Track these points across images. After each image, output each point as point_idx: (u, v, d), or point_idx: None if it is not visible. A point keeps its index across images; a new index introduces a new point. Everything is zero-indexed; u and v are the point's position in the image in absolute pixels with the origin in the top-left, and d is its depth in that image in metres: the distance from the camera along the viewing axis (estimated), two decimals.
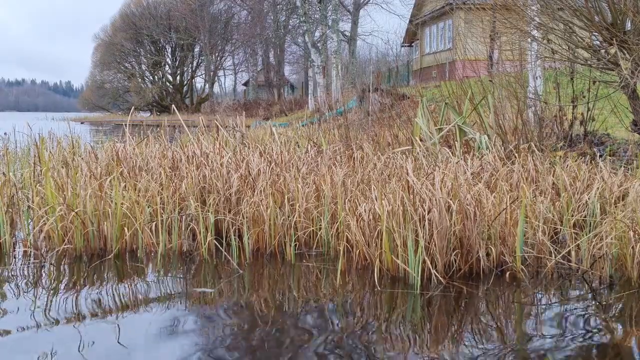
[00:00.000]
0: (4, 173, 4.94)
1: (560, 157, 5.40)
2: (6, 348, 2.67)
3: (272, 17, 40.39)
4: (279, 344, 2.71)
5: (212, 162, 4.95)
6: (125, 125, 6.11)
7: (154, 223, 4.21)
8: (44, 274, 3.81)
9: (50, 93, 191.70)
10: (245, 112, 13.98)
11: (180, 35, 50.09)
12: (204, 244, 4.12)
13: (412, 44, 33.40)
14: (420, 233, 3.47)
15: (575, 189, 4.45)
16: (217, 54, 50.61)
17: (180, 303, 3.27)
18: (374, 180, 4.49)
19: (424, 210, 3.55)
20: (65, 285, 3.60)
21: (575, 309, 3.22)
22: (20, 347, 2.69)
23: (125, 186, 4.50)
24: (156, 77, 55.92)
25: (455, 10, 18.09)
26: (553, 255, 3.70)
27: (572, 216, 4.07)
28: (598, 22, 5.51)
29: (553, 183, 4.64)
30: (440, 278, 3.50)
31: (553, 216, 4.10)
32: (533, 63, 7.28)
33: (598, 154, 5.81)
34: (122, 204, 4.18)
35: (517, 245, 3.66)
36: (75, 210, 4.09)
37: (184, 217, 4.36)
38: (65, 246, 4.10)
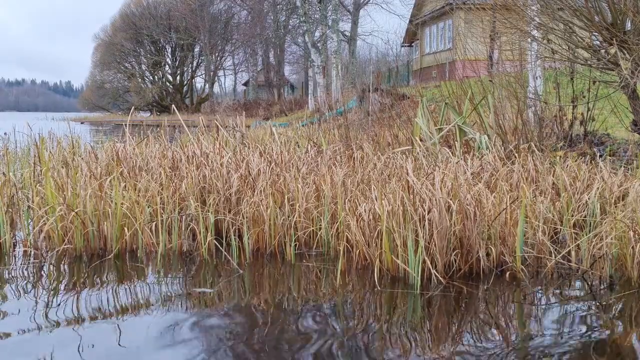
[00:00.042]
0: (4, 173, 4.94)
1: (560, 157, 5.40)
2: (6, 351, 2.67)
3: (272, 17, 40.39)
4: (279, 344, 2.71)
5: (212, 162, 4.95)
6: (125, 125, 6.11)
7: (154, 223, 4.21)
8: (43, 274, 3.81)
9: (50, 93, 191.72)
10: (245, 112, 13.98)
11: (180, 35, 50.10)
12: (204, 244, 4.12)
13: (412, 44, 33.40)
14: (420, 233, 3.47)
15: (575, 189, 4.45)
16: (217, 54, 50.62)
17: (180, 303, 3.27)
18: (374, 180, 4.49)
19: (424, 210, 3.55)
20: (65, 285, 3.60)
21: (575, 309, 3.22)
22: (21, 349, 2.68)
23: (125, 186, 4.50)
24: (156, 77, 55.92)
25: (455, 10, 18.09)
26: (553, 255, 3.70)
27: (572, 216, 4.07)
28: (598, 22, 5.51)
29: (553, 183, 4.64)
30: (440, 278, 3.50)
31: (553, 216, 4.10)
32: (533, 63, 7.28)
33: (598, 154, 5.81)
34: (122, 204, 4.18)
35: (517, 245, 3.66)
36: (75, 210, 4.09)
37: (184, 217, 4.36)
38: (65, 246, 4.10)
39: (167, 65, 55.90)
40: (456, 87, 7.21)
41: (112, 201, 4.21)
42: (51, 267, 3.95)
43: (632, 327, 2.94)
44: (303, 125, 11.80)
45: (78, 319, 2.99)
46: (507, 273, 3.66)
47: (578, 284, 3.62)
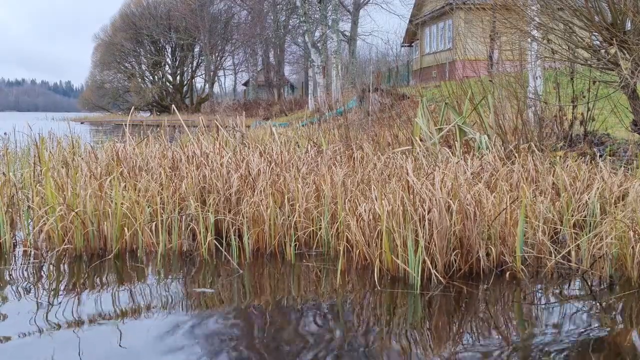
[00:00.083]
0: (4, 173, 4.94)
1: (560, 157, 5.40)
2: (6, 354, 2.67)
3: (272, 17, 40.39)
4: (278, 344, 2.71)
5: (212, 162, 4.95)
6: (125, 125, 6.11)
7: (154, 223, 4.21)
8: (43, 274, 3.81)
9: (50, 93, 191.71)
10: (245, 112, 13.97)
11: (180, 35, 50.10)
12: (204, 244, 4.12)
13: (412, 44, 33.39)
14: (420, 233, 3.47)
15: (575, 189, 4.45)
16: (217, 54, 50.62)
17: (180, 303, 3.27)
18: (374, 180, 4.49)
19: (424, 210, 3.55)
20: (65, 286, 3.60)
21: (575, 309, 3.22)
22: (21, 352, 2.68)
23: (125, 186, 4.50)
24: (156, 77, 55.92)
25: (455, 10, 18.09)
26: (553, 255, 3.70)
27: (572, 216, 4.07)
28: (598, 22, 5.51)
29: (553, 183, 4.64)
30: (440, 278, 3.50)
31: (553, 216, 4.10)
32: (533, 63, 7.28)
33: (598, 154, 5.81)
34: (122, 204, 4.18)
35: (517, 245, 3.66)
36: (75, 210, 4.09)
37: (184, 217, 4.36)
38: (65, 246, 4.10)
39: (167, 65, 55.92)
40: (456, 87, 7.21)
41: (112, 201, 4.21)
42: (51, 267, 3.95)
43: (632, 327, 2.94)
44: (303, 125, 11.79)
45: (78, 319, 2.99)
46: (507, 273, 3.66)
47: (578, 284, 3.62)
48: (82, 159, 5.42)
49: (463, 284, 3.52)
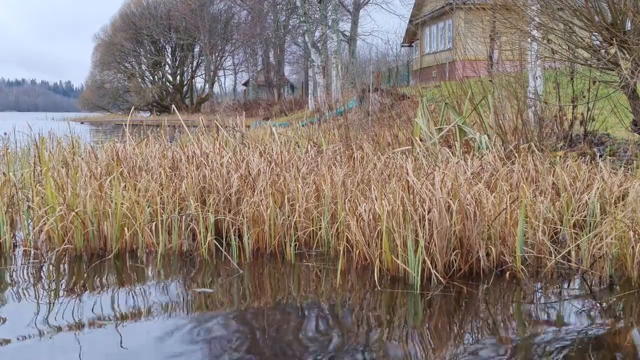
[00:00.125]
0: (4, 173, 4.94)
1: (560, 157, 5.40)
2: (6, 356, 2.66)
3: (272, 17, 40.39)
4: (278, 344, 2.71)
5: (212, 162, 4.95)
6: (125, 125, 6.11)
7: (154, 223, 4.21)
8: (43, 274, 3.81)
9: (50, 93, 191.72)
10: (245, 112, 13.97)
11: (180, 35, 50.10)
12: (204, 244, 4.12)
13: (412, 44, 33.39)
14: (420, 233, 3.47)
15: (575, 189, 4.45)
16: (217, 54, 50.62)
17: (180, 303, 3.27)
18: (374, 180, 4.49)
19: (424, 210, 3.55)
20: (65, 286, 3.60)
21: (575, 308, 3.22)
22: (21, 354, 2.68)
23: (125, 186, 4.50)
24: (156, 77, 55.92)
25: (455, 10, 18.09)
26: (553, 255, 3.70)
27: (572, 216, 4.07)
28: (598, 22, 5.51)
29: (553, 183, 4.64)
30: (440, 278, 3.50)
31: (553, 216, 4.10)
32: (533, 63, 7.28)
33: (598, 154, 5.81)
34: (122, 204, 4.19)
35: (517, 245, 3.66)
36: (75, 210, 4.09)
37: (184, 217, 4.36)
38: (65, 246, 4.10)
39: (167, 65, 55.92)
40: (456, 87, 7.21)
41: (112, 201, 4.21)
42: (51, 267, 3.95)
43: (632, 327, 2.94)
44: (303, 125, 11.79)
45: (78, 320, 2.98)
46: (507, 273, 3.66)
47: (578, 284, 3.62)
48: (82, 159, 5.42)
49: (463, 284, 3.52)
